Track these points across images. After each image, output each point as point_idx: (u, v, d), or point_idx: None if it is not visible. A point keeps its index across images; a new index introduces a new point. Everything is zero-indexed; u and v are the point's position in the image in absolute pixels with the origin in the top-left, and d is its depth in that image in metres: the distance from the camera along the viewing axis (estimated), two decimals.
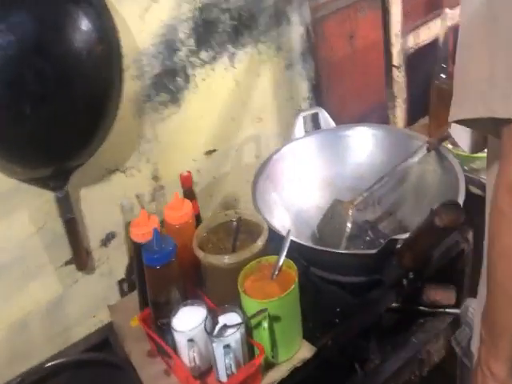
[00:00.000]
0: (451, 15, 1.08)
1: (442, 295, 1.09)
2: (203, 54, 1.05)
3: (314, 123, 1.23)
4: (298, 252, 0.93)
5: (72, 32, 0.75)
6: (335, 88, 1.32)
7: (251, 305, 0.80)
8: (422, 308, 1.13)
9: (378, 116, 1.28)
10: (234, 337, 0.76)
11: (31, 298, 0.99)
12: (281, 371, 0.81)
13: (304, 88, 1.25)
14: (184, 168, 1.11)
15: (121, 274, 1.08)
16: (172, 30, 0.98)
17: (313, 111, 1.13)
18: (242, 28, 1.08)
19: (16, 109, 0.77)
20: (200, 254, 0.84)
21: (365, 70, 1.35)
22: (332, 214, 1.06)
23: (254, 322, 0.79)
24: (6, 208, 0.91)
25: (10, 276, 0.94)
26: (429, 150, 1.04)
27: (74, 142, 0.87)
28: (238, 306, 0.81)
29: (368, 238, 1.09)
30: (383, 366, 1.06)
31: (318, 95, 1.28)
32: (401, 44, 1.13)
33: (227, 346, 0.75)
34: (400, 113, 1.21)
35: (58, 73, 0.77)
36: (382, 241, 1.08)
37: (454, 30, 1.11)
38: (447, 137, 1.07)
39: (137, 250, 0.85)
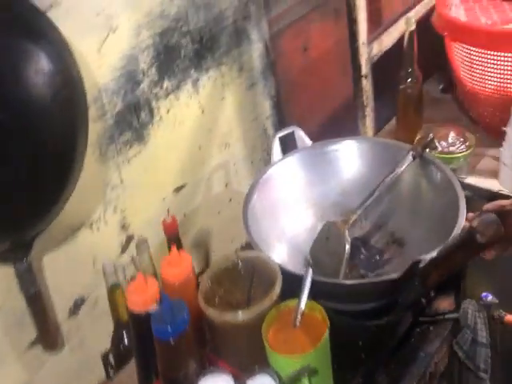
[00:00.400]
0: (414, 18, 1.06)
1: (443, 302, 1.06)
2: (166, 83, 0.94)
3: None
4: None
5: (33, 75, 0.61)
6: (295, 103, 1.26)
7: (283, 362, 0.70)
8: (422, 318, 1.09)
9: (346, 128, 1.24)
10: None
11: None
12: None
13: (267, 107, 1.18)
14: (154, 211, 1.00)
15: (95, 344, 0.94)
16: (133, 60, 0.86)
17: (288, 131, 1.05)
18: (204, 51, 0.99)
19: None
20: (213, 313, 0.73)
21: (321, 82, 1.31)
22: (327, 237, 0.99)
23: (289, 380, 0.70)
24: None
25: None
26: (414, 158, 1.01)
27: (39, 207, 0.72)
28: (267, 366, 0.71)
29: (362, 256, 1.03)
30: None
31: (280, 112, 1.21)
32: (367, 53, 1.09)
33: None
34: (369, 122, 1.18)
35: (19, 124, 0.63)
36: (377, 257, 1.02)
37: (418, 33, 1.10)
38: (429, 143, 1.04)
39: (135, 321, 0.73)
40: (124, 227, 0.96)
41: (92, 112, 0.83)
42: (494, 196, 1.09)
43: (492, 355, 1.06)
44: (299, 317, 0.74)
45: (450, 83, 1.36)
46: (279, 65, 1.18)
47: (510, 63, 1.08)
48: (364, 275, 0.99)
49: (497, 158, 1.17)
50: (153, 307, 0.69)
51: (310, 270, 0.76)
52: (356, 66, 1.09)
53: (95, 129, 0.85)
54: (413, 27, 1.07)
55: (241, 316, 0.73)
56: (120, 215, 0.95)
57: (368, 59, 1.10)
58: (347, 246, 0.96)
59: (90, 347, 0.94)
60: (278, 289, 0.76)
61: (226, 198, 1.17)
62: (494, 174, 1.14)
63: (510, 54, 1.08)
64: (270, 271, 0.79)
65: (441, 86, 1.41)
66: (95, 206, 0.90)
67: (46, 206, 0.73)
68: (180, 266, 0.76)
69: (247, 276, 0.80)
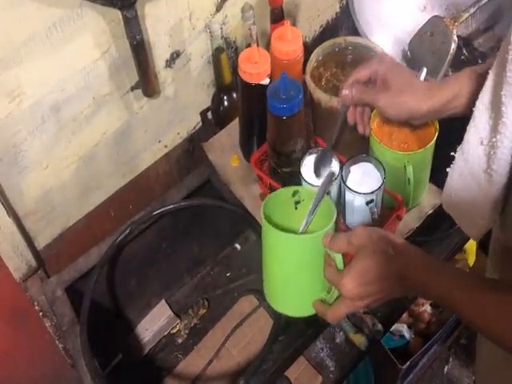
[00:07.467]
0: None
1: None
2: None
3: None
4: None
5: None
6: None
7: (388, 155, 0.72)
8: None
9: None
10: (377, 192, 0.70)
11: (98, 129, 0.88)
12: (412, 218, 0.77)
13: None
14: None
15: (188, 98, 0.96)
16: None
17: None
18: None
19: None
20: (321, 95, 0.72)
21: None
22: (432, 33, 0.93)
23: (392, 171, 0.72)
24: (67, 32, 0.73)
25: (75, 109, 0.82)
26: None
27: None
28: (372, 156, 0.73)
29: (463, 57, 0.98)
30: None
31: None
32: None
33: (371, 201, 0.71)
34: None
35: None
36: (479, 61, 0.98)
37: None
38: None
39: (246, 91, 0.72)
40: None
41: None
42: None
43: None
44: None
45: None
46: None
47: None
48: None
49: None
50: (266, 81, 0.69)
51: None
52: None
53: None
54: None
55: None
56: None
57: None
58: (453, 46, 0.91)
59: (183, 100, 0.96)
60: None
61: None
62: None
63: None
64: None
65: None
66: None
67: None
68: (291, 44, 0.72)
69: (353, 62, 0.77)
